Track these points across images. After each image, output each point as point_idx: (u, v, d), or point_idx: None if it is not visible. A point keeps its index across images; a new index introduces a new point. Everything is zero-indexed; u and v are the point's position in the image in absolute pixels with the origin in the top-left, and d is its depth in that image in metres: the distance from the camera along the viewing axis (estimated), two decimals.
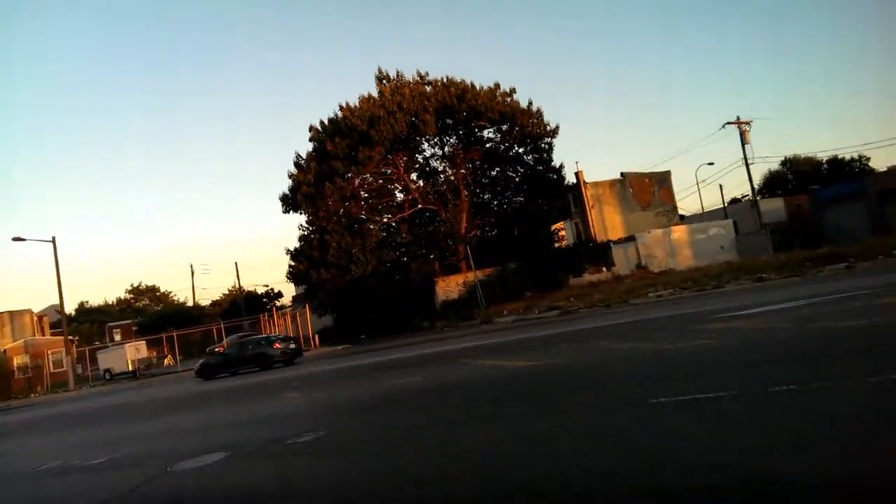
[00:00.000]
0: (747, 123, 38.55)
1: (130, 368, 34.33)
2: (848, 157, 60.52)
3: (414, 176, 42.02)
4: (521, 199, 41.38)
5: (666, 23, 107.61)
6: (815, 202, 44.86)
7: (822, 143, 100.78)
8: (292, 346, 23.33)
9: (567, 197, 43.69)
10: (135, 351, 35.74)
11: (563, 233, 41.94)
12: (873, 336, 7.63)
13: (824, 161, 62.19)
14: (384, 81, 38.37)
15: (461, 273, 36.23)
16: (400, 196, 41.49)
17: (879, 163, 59.63)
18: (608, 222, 42.90)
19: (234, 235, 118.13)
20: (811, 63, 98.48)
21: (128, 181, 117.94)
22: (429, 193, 40.07)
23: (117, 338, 54.46)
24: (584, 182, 43.36)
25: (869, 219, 39.04)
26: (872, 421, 4.41)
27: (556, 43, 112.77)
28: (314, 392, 12.78)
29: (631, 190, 44.70)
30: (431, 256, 39.42)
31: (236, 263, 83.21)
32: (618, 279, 32.77)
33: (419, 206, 38.97)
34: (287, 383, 15.36)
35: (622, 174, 45.34)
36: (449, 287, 35.60)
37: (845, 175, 55.34)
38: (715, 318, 12.18)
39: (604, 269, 35.51)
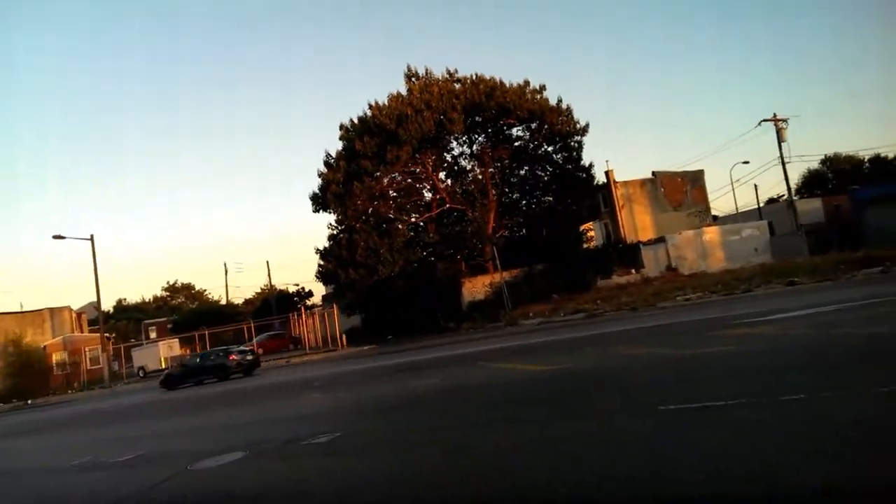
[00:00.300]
0: (784, 121, 37.63)
1: (163, 366, 35.23)
2: (892, 155, 58.63)
3: (442, 175, 42.11)
4: (550, 198, 41.08)
5: (699, 19, 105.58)
6: (855, 202, 43.49)
7: (864, 141, 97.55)
8: (249, 357, 24.33)
9: (597, 196, 43.22)
10: (168, 349, 36.68)
11: (591, 233, 41.53)
12: (893, 344, 7.43)
13: (866, 160, 60.34)
14: (413, 79, 38.53)
15: (488, 274, 36.20)
16: (428, 195, 41.63)
17: None
18: (638, 223, 42.32)
19: (266, 234, 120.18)
20: (852, 58, 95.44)
21: (165, 180, 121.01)
22: (456, 193, 40.13)
23: (153, 335, 55.97)
24: (615, 181, 42.86)
25: None
26: (879, 431, 4.34)
27: (586, 40, 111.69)
28: (336, 393, 12.97)
29: (662, 189, 44.02)
30: (458, 257, 39.45)
31: (268, 262, 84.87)
32: (646, 281, 32.34)
33: (447, 205, 39.04)
34: (309, 383, 15.62)
35: (653, 173, 44.67)
36: (475, 288, 35.61)
37: (888, 174, 53.58)
38: (739, 324, 11.99)
39: (633, 270, 35.06)
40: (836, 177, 61.29)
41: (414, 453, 6.12)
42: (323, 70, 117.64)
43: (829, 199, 47.47)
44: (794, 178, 62.89)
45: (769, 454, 4.21)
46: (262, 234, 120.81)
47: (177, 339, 40.42)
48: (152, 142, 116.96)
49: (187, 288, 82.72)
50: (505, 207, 40.99)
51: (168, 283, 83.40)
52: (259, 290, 71.17)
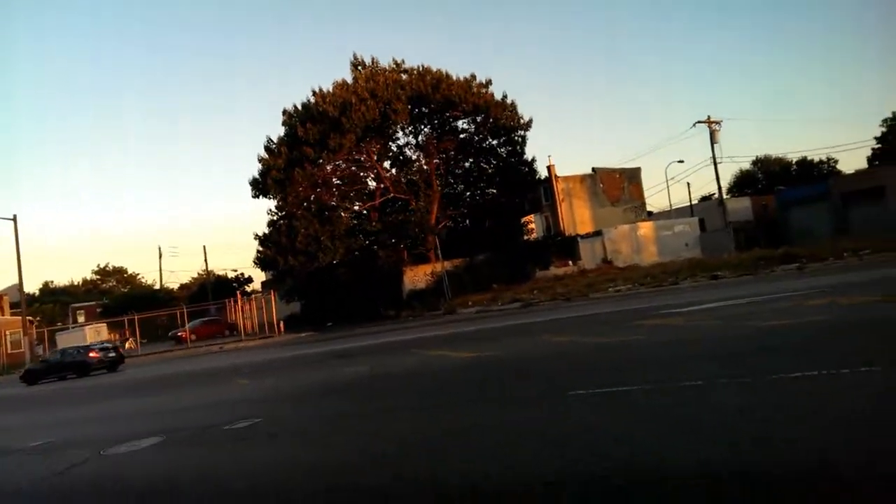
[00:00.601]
0: (717, 123, 39.26)
1: None
2: (817, 158, 62.03)
3: (387, 164, 41.98)
4: (494, 190, 41.63)
5: (640, 19, 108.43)
6: (781, 202, 45.87)
7: (793, 144, 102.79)
8: (111, 354, 24.37)
9: (538, 190, 44.05)
10: (95, 333, 35.28)
11: (532, 226, 42.30)
12: (788, 336, 7.97)
13: (794, 162, 63.64)
14: (359, 68, 38.17)
15: (430, 263, 36.40)
16: (372, 184, 41.44)
17: (847, 165, 61.17)
18: (578, 216, 43.36)
19: (204, 218, 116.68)
20: (786, 64, 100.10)
21: (97, 160, 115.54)
22: (401, 182, 40.09)
23: (81, 319, 53.67)
24: (556, 176, 43.72)
25: (831, 220, 40.06)
26: (759, 417, 4.67)
27: (531, 36, 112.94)
28: (262, 380, 12.87)
29: (601, 185, 45.20)
30: (401, 246, 39.50)
31: (205, 247, 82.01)
32: (583, 273, 33.22)
33: (391, 194, 38.98)
34: (238, 370, 15.43)
35: (593, 169, 45.79)
36: (417, 277, 35.75)
37: (813, 177, 56.69)
38: (657, 315, 12.55)
39: (570, 262, 35.94)
40: (765, 177, 64.36)
41: (329, 440, 6.19)
42: (267, 54, 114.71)
43: (758, 199, 49.81)
44: (728, 178, 65.79)
45: (661, 437, 4.47)
46: (200, 217, 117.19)
47: (104, 324, 38.88)
48: (83, 121, 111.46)
49: (119, 272, 79.56)
50: (449, 198, 41.24)
51: (99, 266, 79.97)
52: (196, 276, 69.26)
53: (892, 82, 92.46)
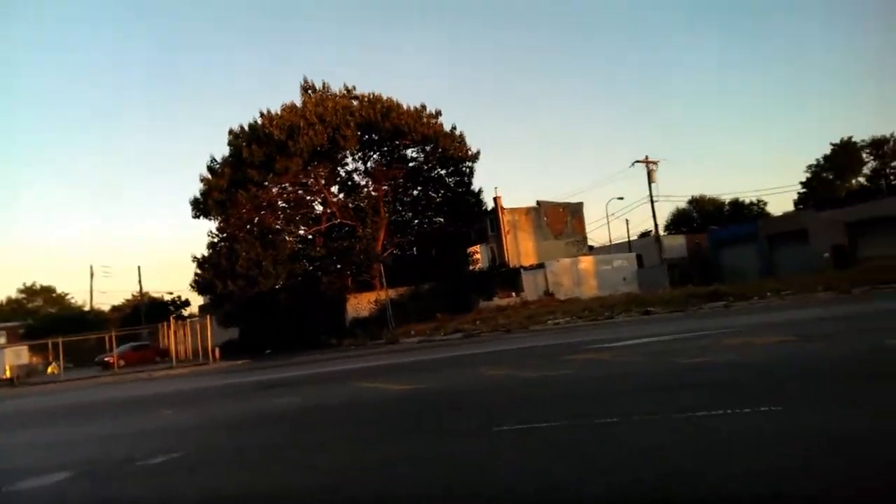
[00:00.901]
0: (655, 163, 40.99)
1: (8, 375, 31.93)
2: (748, 200, 65.49)
3: (335, 189, 41.86)
4: (441, 220, 42.08)
5: (589, 58, 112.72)
6: (713, 241, 48.02)
7: (727, 186, 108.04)
8: None
9: (485, 221, 44.73)
10: (15, 356, 33.29)
11: (478, 256, 42.85)
12: (703, 374, 8.35)
13: (727, 203, 66.94)
14: (309, 92, 38.24)
15: (374, 291, 36.23)
16: (318, 208, 41.19)
17: (776, 208, 64.74)
18: (522, 248, 44.16)
19: (139, 237, 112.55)
20: (723, 108, 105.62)
21: (25, 173, 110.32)
22: (348, 208, 40.02)
23: (2, 341, 50.51)
24: (502, 207, 44.54)
25: (759, 260, 42.15)
26: (668, 451, 4.88)
27: (481, 70, 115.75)
28: (187, 410, 12.45)
29: (545, 218, 46.27)
30: (347, 272, 39.24)
31: (139, 267, 79.12)
32: (525, 304, 33.74)
33: (337, 220, 38.81)
34: (162, 400, 14.87)
35: (538, 202, 46.88)
36: (360, 304, 35.49)
37: (744, 217, 59.75)
38: (588, 349, 12.89)
39: (513, 294, 36.47)
40: (700, 217, 67.38)
41: (247, 473, 6.05)
42: (216, 72, 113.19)
43: (692, 237, 51.96)
44: (665, 216, 68.46)
45: (574, 472, 4.61)
46: (135, 236, 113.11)
47: (25, 346, 36.75)
48: (12, 130, 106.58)
49: (47, 291, 75.52)
50: (396, 225, 41.38)
51: (25, 284, 75.74)
52: (129, 297, 66.57)
53: (821, 130, 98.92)
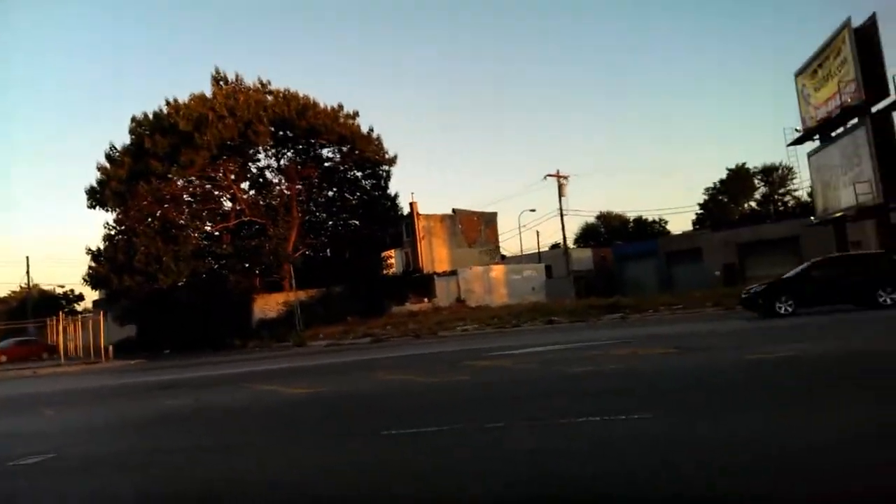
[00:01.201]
0: (565, 178, 42.64)
1: None
2: (651, 218, 69.47)
3: (245, 185, 40.57)
4: (356, 222, 41.66)
5: (504, 72, 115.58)
6: (617, 255, 50.56)
7: (632, 203, 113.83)
8: None
9: (400, 225, 44.81)
10: None
11: (392, 260, 42.85)
12: (588, 382, 8.81)
13: (631, 220, 70.72)
14: (221, 83, 36.94)
15: (283, 292, 35.39)
16: (227, 205, 39.76)
17: (677, 226, 69.04)
18: (436, 255, 44.60)
19: (29, 226, 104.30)
20: (632, 128, 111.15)
21: None
22: (259, 205, 38.90)
23: None
24: (418, 213, 44.80)
25: (658, 275, 44.73)
26: (543, 455, 5.12)
27: (401, 77, 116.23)
28: (68, 411, 11.71)
29: (460, 226, 46.98)
30: (256, 272, 38.12)
31: (27, 258, 73.50)
32: (436, 310, 34.04)
33: (247, 217, 37.62)
34: (45, 399, 13.90)
35: (454, 210, 47.55)
36: (268, 305, 34.58)
37: (646, 234, 63.32)
38: (490, 356, 13.23)
39: (426, 299, 36.73)
40: (607, 231, 70.71)
41: (121, 477, 5.80)
42: (120, 56, 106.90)
43: (599, 251, 54.44)
44: (575, 229, 71.32)
45: (452, 474, 4.75)
46: (25, 225, 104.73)
47: None
48: None
49: None
50: (309, 226, 40.61)
51: None
52: (16, 290, 61.60)
53: (720, 156, 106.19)
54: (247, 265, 36.99)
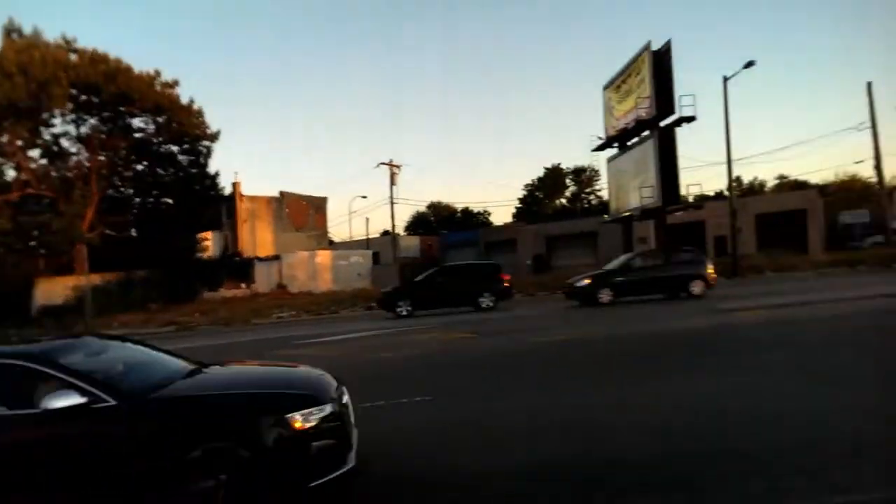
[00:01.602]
0: (397, 167, 42.95)
1: None
2: (476, 209, 73.03)
3: (35, 153, 35.26)
4: (170, 200, 38.21)
5: (341, 58, 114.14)
6: (442, 244, 52.32)
7: (462, 195, 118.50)
8: None
9: (221, 206, 42.05)
10: None
11: (208, 243, 40.04)
12: (385, 367, 9.03)
13: (459, 210, 73.74)
14: (13, 35, 31.76)
15: (74, 275, 31.49)
16: (11, 174, 34.31)
17: (500, 218, 72.98)
18: (259, 239, 42.59)
19: None
20: (465, 123, 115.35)
21: None
22: (50, 177, 34.06)
23: None
24: (241, 194, 42.40)
25: None
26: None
27: (233, 51, 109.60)
28: None
29: (287, 210, 45.33)
30: (42, 251, 33.46)
31: None
32: (255, 296, 32.58)
33: (32, 190, 32.79)
34: None
35: (281, 193, 45.73)
36: (54, 290, 30.64)
37: (472, 224, 66.48)
38: (298, 344, 12.94)
39: (243, 285, 34.98)
40: (436, 220, 72.96)
41: None
42: None
43: (426, 239, 55.92)
44: (408, 217, 72.62)
45: None
46: None
47: None
48: None
49: None
50: (112, 202, 36.36)
51: None
52: None
53: (541, 154, 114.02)
54: (31, 244, 32.27)
